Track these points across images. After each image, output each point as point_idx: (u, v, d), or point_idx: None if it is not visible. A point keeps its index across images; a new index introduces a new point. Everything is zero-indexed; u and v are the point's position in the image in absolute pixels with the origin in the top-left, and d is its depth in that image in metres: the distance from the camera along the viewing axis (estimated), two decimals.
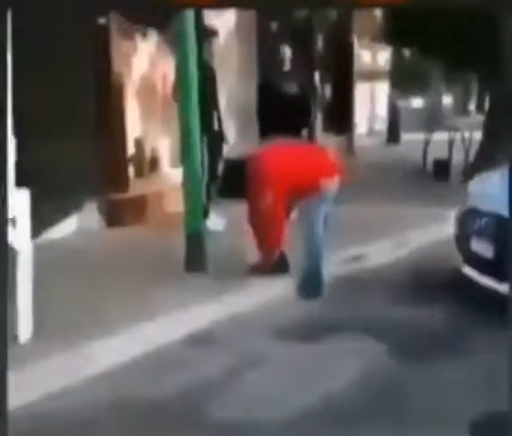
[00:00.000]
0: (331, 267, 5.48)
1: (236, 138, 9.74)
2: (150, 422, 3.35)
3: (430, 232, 6.91)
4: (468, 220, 5.16)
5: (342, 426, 3.29)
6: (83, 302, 4.54)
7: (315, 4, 7.44)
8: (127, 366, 3.92)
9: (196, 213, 5.37)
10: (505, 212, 4.63)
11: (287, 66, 6.97)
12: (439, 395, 3.58)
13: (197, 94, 5.24)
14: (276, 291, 5.08)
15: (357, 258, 5.87)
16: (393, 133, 15.91)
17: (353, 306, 4.94)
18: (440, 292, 5.19)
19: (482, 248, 4.90)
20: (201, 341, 4.34)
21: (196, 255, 5.35)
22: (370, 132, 15.67)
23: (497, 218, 4.70)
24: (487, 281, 4.75)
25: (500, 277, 4.56)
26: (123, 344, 4.04)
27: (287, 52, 6.99)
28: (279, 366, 4.00)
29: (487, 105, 20.27)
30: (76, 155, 6.25)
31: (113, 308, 4.44)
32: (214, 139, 6.69)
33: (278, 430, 3.27)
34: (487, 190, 5.27)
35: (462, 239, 5.22)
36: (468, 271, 5.03)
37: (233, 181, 5.29)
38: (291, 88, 6.87)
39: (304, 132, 7.07)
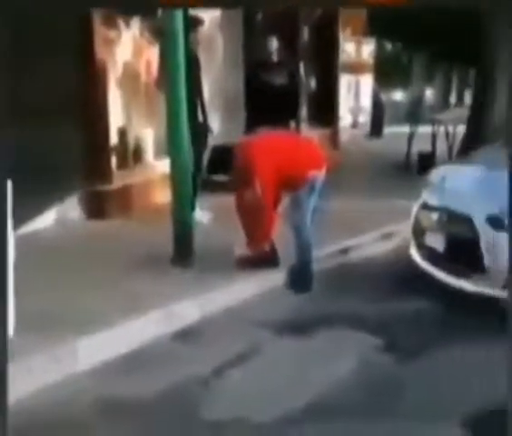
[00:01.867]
0: (319, 261, 5.45)
1: (221, 129, 9.66)
2: (135, 420, 3.29)
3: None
4: (423, 214, 5.16)
5: (335, 421, 3.26)
6: (65, 296, 4.45)
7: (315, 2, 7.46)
8: (112, 362, 3.85)
9: (184, 203, 5.30)
10: (456, 207, 4.67)
11: (274, 57, 6.91)
12: (433, 389, 3.57)
13: (184, 84, 5.16)
14: (264, 284, 5.02)
15: (344, 251, 5.84)
16: (376, 127, 15.92)
17: (342, 299, 4.90)
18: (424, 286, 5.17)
19: (435, 242, 4.89)
20: (188, 336, 4.28)
21: (184, 246, 5.30)
22: (355, 124, 15.65)
23: (449, 213, 4.70)
24: (441, 275, 4.76)
25: (453, 272, 4.59)
26: (108, 340, 3.96)
27: (274, 43, 6.92)
28: (268, 361, 3.96)
29: (467, 98, 20.41)
30: (58, 145, 6.14)
31: (96, 302, 4.36)
32: (199, 130, 6.61)
33: (268, 427, 3.22)
34: (441, 185, 5.29)
35: (417, 233, 5.21)
36: (424, 264, 5.03)
37: (221, 159, 5.23)
38: (279, 79, 6.82)
39: (291, 123, 7.02)
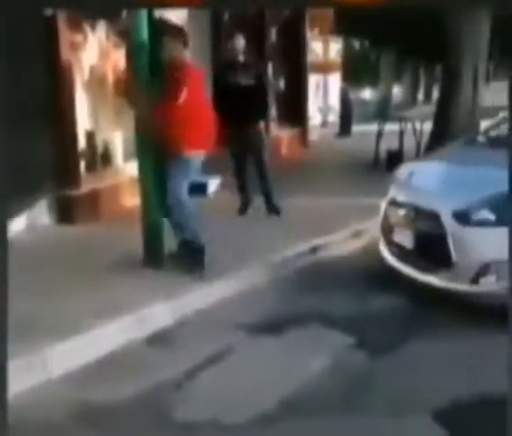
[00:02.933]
0: (289, 260, 5.48)
1: None
2: (109, 425, 3.27)
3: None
4: (390, 211, 5.23)
5: (309, 419, 3.29)
6: (36, 302, 4.41)
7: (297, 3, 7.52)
8: (85, 368, 3.83)
9: (153, 205, 5.27)
10: (423, 203, 4.75)
11: (241, 58, 6.90)
12: (405, 384, 3.61)
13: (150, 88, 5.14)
14: (234, 286, 5.04)
15: (313, 250, 5.88)
16: (345, 125, 16.00)
17: (313, 298, 4.93)
18: (394, 283, 5.23)
19: (403, 239, 4.97)
20: (160, 340, 4.27)
21: (154, 248, 5.29)
22: (324, 124, 15.73)
23: (416, 209, 4.78)
24: (409, 271, 4.82)
25: (421, 267, 4.67)
26: (80, 345, 3.93)
27: (241, 42, 6.91)
28: (241, 361, 3.97)
29: (434, 95, 20.66)
30: (25, 150, 6.06)
31: (67, 308, 4.33)
32: None
33: (242, 428, 3.23)
34: (408, 181, 5.36)
35: (386, 230, 5.29)
36: (393, 261, 5.10)
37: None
38: (246, 80, 6.82)
39: (261, 123, 7.03)
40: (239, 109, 6.69)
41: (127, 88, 5.42)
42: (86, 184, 7.10)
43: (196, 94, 5.09)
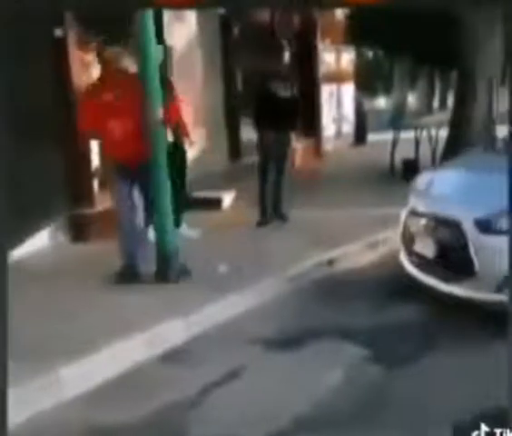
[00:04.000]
0: (306, 272, 5.38)
1: (206, 144, 9.64)
2: None
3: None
4: (411, 221, 5.10)
5: (325, 434, 3.18)
6: (53, 321, 4.35)
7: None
8: (100, 388, 3.75)
9: (164, 220, 5.22)
10: (444, 212, 4.63)
11: (283, 69, 7.33)
12: (423, 399, 3.49)
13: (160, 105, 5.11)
14: (250, 298, 4.94)
15: (330, 262, 5.77)
16: (360, 135, 15.89)
17: (330, 311, 4.81)
18: (413, 294, 5.08)
19: (424, 249, 4.84)
20: (174, 357, 4.18)
21: (167, 263, 5.23)
22: (338, 134, 15.62)
23: (437, 218, 4.66)
24: (431, 281, 4.70)
25: (443, 278, 4.56)
26: (93, 365, 3.86)
27: (287, 55, 7.20)
28: (257, 377, 3.87)
29: (450, 102, 20.49)
30: (40, 170, 6.04)
31: (81, 326, 4.26)
32: (179, 147, 6.50)
33: None
34: (428, 190, 5.24)
35: (406, 240, 5.16)
36: (414, 271, 4.97)
37: None
38: (285, 91, 7.14)
39: (292, 134, 7.26)
40: (276, 119, 7.01)
41: None
42: (100, 202, 7.05)
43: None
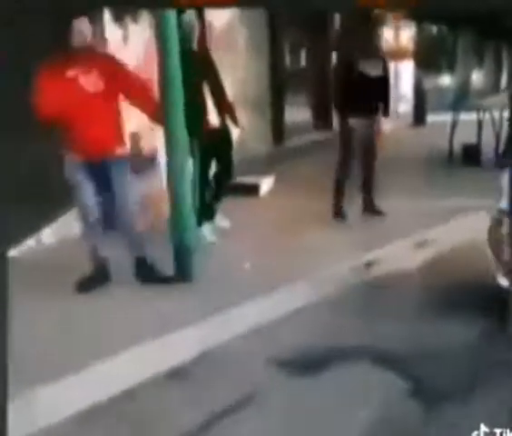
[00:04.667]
0: (333, 278, 4.77)
1: (247, 127, 9.16)
2: None
3: (460, 228, 6.11)
4: (504, 221, 4.38)
5: None
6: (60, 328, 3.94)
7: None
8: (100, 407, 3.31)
9: (183, 214, 4.74)
10: None
11: (374, 45, 6.65)
12: None
13: (183, 94, 4.62)
14: (269, 308, 4.38)
15: (370, 264, 5.13)
16: (419, 115, 15.04)
17: (364, 328, 4.18)
18: (474, 308, 4.39)
19: None
20: (182, 375, 3.68)
21: (184, 262, 4.75)
22: (396, 114, 14.80)
23: None
24: None
25: None
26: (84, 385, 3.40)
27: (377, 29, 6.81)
28: (271, 408, 3.31)
29: None
30: (52, 163, 5.62)
31: (85, 333, 3.84)
32: (215, 134, 5.95)
33: None
34: None
35: (494, 245, 4.46)
36: (505, 282, 4.27)
37: None
38: (376, 70, 6.40)
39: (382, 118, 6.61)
40: (366, 100, 6.29)
41: None
42: None
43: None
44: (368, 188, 6.62)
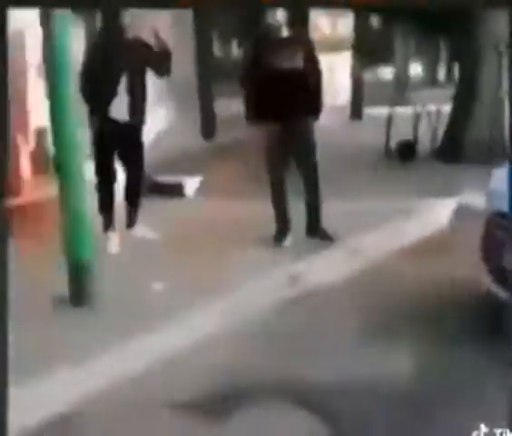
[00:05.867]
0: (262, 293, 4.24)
1: (174, 120, 8.65)
2: None
3: (393, 234, 5.67)
4: (498, 227, 4.02)
5: None
6: None
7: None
8: None
9: (78, 227, 4.18)
10: None
11: (283, 32, 5.32)
12: None
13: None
14: (172, 340, 3.80)
15: (293, 278, 4.60)
16: (356, 109, 14.73)
17: (277, 358, 3.61)
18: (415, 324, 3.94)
19: None
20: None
21: (81, 283, 4.18)
22: (331, 107, 14.45)
23: None
24: None
25: None
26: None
27: (281, 13, 5.24)
28: None
29: (456, 74, 19.25)
30: None
31: None
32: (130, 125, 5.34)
33: None
34: None
35: (489, 251, 4.10)
36: (500, 291, 3.92)
37: None
38: (291, 61, 5.23)
39: (311, 120, 5.42)
40: (282, 100, 5.12)
41: None
42: (29, 193, 5.97)
43: None
44: (311, 206, 5.44)
